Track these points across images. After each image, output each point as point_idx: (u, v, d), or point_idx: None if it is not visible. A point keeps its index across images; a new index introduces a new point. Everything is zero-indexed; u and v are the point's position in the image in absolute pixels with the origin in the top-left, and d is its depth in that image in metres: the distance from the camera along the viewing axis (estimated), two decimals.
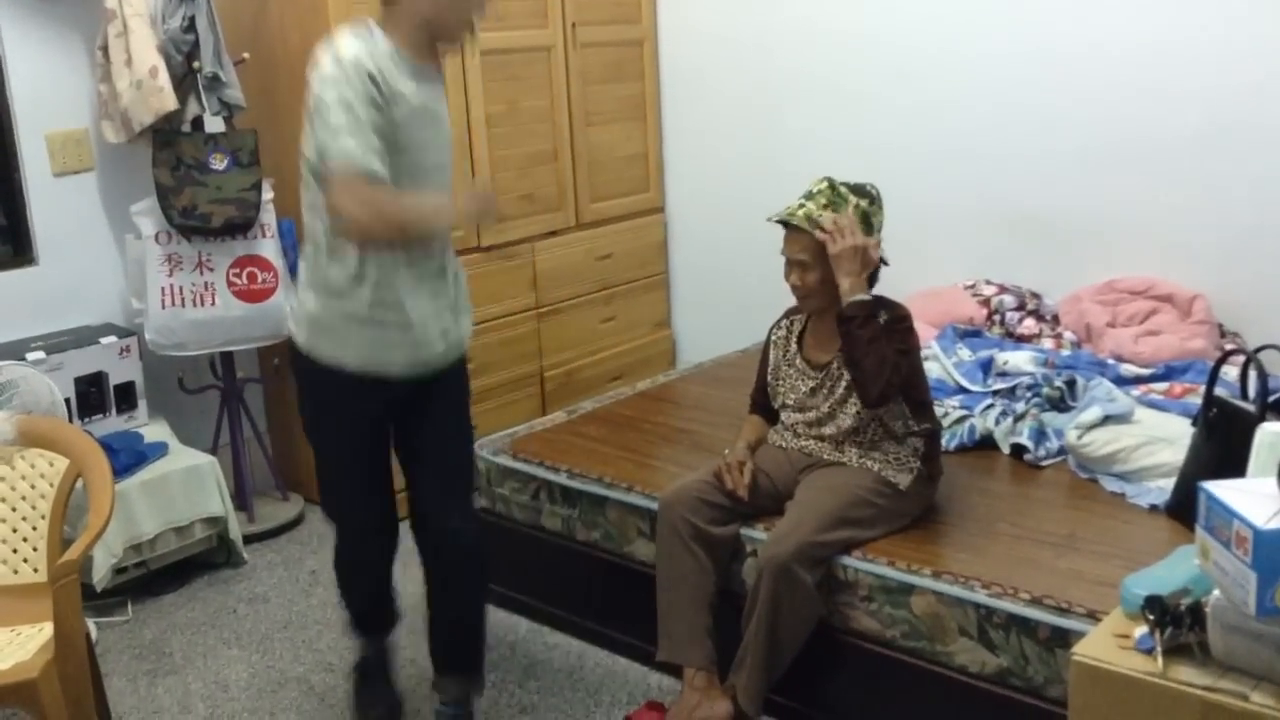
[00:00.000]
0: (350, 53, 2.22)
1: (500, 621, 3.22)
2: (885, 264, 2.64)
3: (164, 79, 3.37)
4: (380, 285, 2.34)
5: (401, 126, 2.28)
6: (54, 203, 3.61)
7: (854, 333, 2.52)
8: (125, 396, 3.56)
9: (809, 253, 2.58)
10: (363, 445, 2.53)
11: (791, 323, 2.82)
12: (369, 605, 2.76)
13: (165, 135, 3.48)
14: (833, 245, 2.52)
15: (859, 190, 2.61)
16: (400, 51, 2.30)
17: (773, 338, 2.85)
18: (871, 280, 2.62)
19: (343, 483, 2.59)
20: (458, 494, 2.60)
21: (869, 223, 2.58)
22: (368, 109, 2.20)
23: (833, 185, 2.61)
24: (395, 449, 2.61)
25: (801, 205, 2.60)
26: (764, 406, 2.88)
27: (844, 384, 2.64)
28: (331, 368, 2.41)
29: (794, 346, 2.77)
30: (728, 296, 4.73)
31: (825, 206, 2.58)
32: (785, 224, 2.62)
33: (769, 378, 2.84)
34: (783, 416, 2.82)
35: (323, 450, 2.58)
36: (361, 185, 2.18)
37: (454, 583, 2.60)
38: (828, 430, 2.69)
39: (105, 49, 3.43)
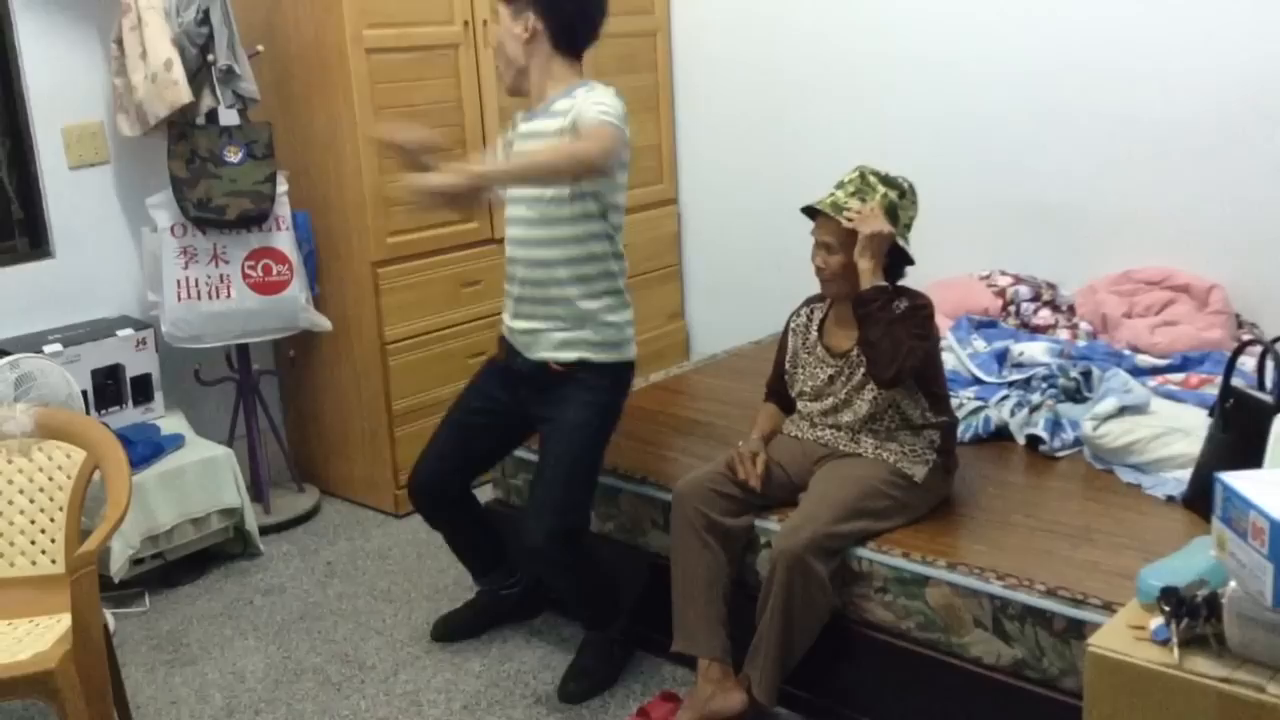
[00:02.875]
0: None
1: None
2: (911, 262, 2.64)
3: (179, 72, 3.37)
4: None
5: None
6: (70, 196, 3.62)
7: (871, 314, 2.52)
8: (142, 388, 3.58)
9: (835, 237, 2.60)
10: None
11: (812, 310, 2.82)
12: None
13: (180, 128, 3.49)
14: (862, 227, 2.53)
15: (889, 181, 2.62)
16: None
17: (792, 325, 2.85)
18: (897, 273, 2.63)
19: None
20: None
21: (894, 214, 2.58)
22: None
23: (863, 175, 2.63)
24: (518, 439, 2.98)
25: (831, 194, 2.62)
26: (780, 394, 2.88)
27: (862, 371, 2.63)
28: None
29: (814, 334, 2.77)
30: (741, 288, 4.72)
31: (853, 194, 2.60)
32: (811, 211, 2.63)
33: (787, 365, 2.83)
34: (799, 405, 2.81)
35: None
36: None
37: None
38: (844, 418, 2.68)
39: (120, 42, 3.44)
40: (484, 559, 3.06)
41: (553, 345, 2.70)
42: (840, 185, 2.63)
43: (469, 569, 3.12)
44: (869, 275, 2.54)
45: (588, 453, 2.72)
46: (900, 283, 2.67)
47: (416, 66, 3.76)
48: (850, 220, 2.55)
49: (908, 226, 2.63)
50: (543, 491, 2.70)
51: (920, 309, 2.58)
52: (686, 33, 4.67)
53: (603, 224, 2.66)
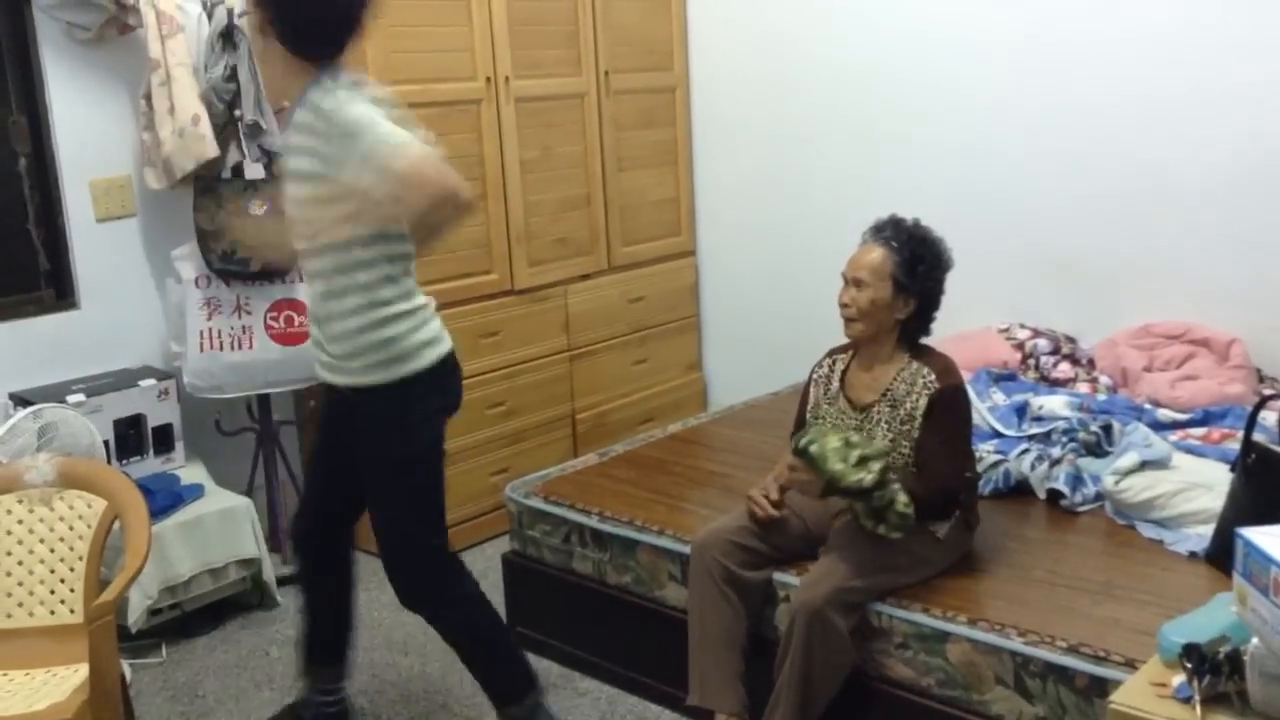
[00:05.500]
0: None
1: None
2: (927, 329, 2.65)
3: (206, 127, 3.43)
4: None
5: None
6: (96, 248, 3.67)
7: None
8: (163, 439, 3.60)
9: (869, 270, 2.59)
10: None
11: (834, 361, 2.81)
12: None
13: (206, 182, 3.54)
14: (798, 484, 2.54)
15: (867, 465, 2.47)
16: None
17: (814, 376, 2.84)
18: (922, 328, 2.66)
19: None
20: None
21: (834, 487, 2.47)
22: None
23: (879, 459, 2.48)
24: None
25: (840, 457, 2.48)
26: None
27: (882, 428, 2.62)
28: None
29: (836, 385, 2.76)
30: (758, 339, 4.73)
31: (856, 465, 2.45)
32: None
33: (808, 415, 2.82)
34: None
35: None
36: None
37: None
38: None
39: (149, 97, 3.50)
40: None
41: None
42: (850, 449, 2.46)
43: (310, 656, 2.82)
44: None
45: None
46: (923, 340, 2.67)
47: (439, 122, 3.79)
48: (787, 478, 2.57)
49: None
50: None
51: (953, 395, 2.58)
52: (705, 89, 4.72)
53: None
